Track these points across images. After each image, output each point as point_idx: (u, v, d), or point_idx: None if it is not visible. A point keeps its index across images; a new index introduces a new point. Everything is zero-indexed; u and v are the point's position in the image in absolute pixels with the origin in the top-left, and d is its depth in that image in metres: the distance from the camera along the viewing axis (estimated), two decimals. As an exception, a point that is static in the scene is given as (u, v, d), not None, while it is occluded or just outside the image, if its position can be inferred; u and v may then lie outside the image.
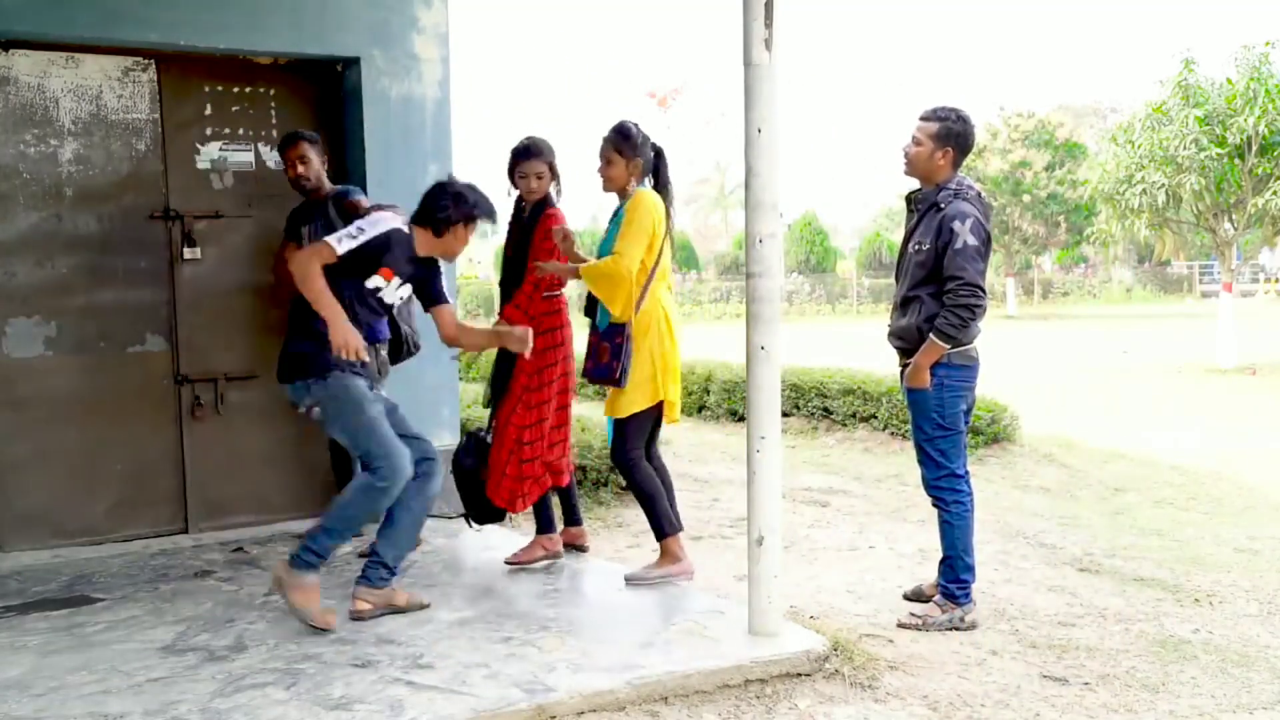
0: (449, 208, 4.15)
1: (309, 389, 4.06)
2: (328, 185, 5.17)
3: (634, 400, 4.49)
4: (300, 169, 5.09)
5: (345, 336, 3.94)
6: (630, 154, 4.56)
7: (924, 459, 4.38)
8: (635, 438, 4.56)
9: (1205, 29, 72.13)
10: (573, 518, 5.14)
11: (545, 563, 4.92)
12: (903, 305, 4.40)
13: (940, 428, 4.31)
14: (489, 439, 4.84)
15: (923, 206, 4.37)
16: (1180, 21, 76.06)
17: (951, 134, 4.31)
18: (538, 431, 4.73)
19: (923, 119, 4.37)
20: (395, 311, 5.08)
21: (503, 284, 4.95)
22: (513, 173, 4.82)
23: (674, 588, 4.55)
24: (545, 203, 4.80)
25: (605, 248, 4.58)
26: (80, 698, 3.41)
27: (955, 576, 4.30)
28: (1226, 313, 16.00)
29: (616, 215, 4.64)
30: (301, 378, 4.06)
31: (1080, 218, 31.14)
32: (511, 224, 4.93)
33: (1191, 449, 8.85)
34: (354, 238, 4.01)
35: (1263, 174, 15.96)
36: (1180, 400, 12.32)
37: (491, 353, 4.96)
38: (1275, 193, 15.66)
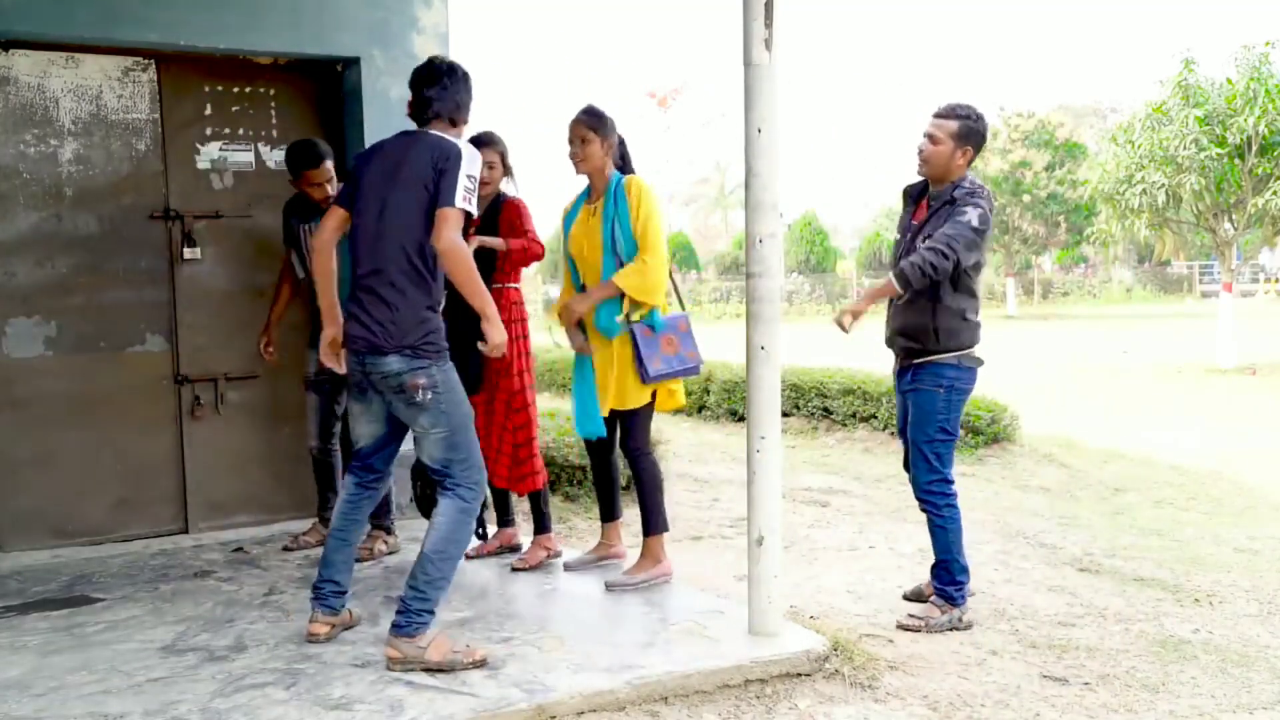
0: (462, 92, 3.78)
1: (427, 368, 3.56)
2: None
3: (644, 393, 4.47)
4: (329, 190, 4.93)
5: (503, 337, 3.67)
6: (604, 133, 4.47)
7: (920, 462, 4.33)
8: (644, 428, 4.54)
9: (1205, 29, 72.15)
10: (508, 519, 5.18)
11: (545, 562, 4.92)
12: (911, 302, 4.26)
13: (944, 431, 4.27)
14: None
15: (936, 204, 4.27)
16: (1180, 21, 76.08)
17: (972, 133, 4.23)
18: (524, 417, 4.81)
19: (940, 117, 4.26)
20: None
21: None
22: None
23: (672, 588, 4.55)
24: (501, 196, 4.83)
25: (607, 234, 4.43)
26: (80, 698, 3.41)
27: (952, 579, 4.29)
28: (1226, 313, 16.00)
29: (583, 199, 4.59)
30: (424, 352, 3.56)
31: (1080, 218, 31.16)
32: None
33: (1191, 449, 8.85)
34: (471, 189, 3.57)
35: (1263, 174, 15.96)
36: (1180, 400, 12.33)
37: None
38: (1275, 193, 15.66)
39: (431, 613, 3.58)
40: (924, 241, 4.22)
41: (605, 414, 4.53)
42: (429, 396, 3.58)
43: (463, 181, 3.54)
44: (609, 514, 4.85)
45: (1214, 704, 3.54)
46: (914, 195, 4.47)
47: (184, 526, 5.61)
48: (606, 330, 4.46)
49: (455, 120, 3.79)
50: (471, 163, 3.59)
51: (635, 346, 4.39)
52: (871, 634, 4.16)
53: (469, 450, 3.66)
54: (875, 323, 4.58)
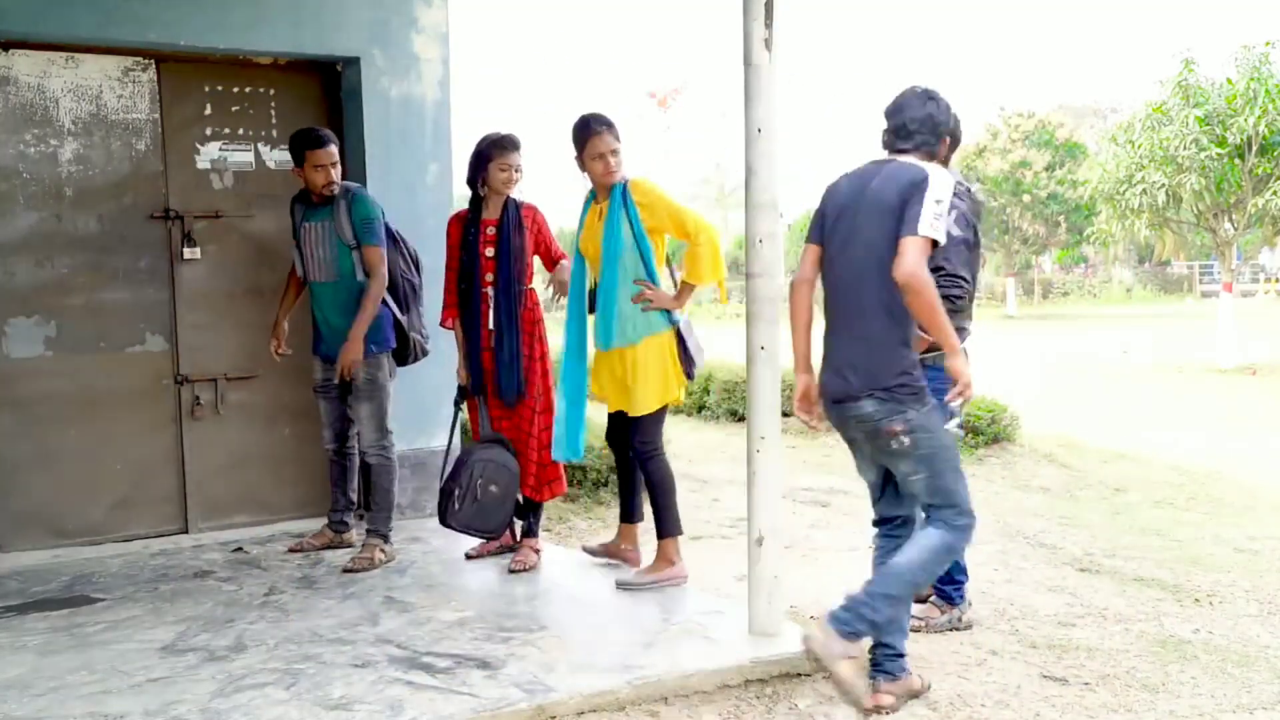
0: (941, 119, 3.51)
1: (904, 413, 3.33)
2: (338, 184, 5.01)
3: (650, 399, 4.48)
4: (333, 174, 4.90)
5: (969, 377, 3.33)
6: (619, 139, 4.57)
7: None
8: (654, 430, 4.55)
9: (1205, 29, 72.13)
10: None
11: (544, 562, 4.92)
12: None
13: None
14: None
15: None
16: (1180, 21, 76.08)
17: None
18: (547, 420, 4.81)
19: None
20: (407, 321, 5.08)
21: (460, 283, 4.88)
22: (488, 166, 4.77)
23: (674, 588, 4.55)
24: (515, 201, 4.84)
25: (613, 244, 4.42)
26: (80, 698, 3.41)
27: (950, 579, 4.30)
28: (1226, 313, 16.00)
29: (591, 198, 4.60)
30: (899, 395, 3.35)
31: (1080, 218, 31.15)
32: (466, 222, 4.87)
33: (1191, 449, 8.84)
34: (940, 214, 3.25)
35: (1263, 174, 15.97)
36: (1180, 400, 12.32)
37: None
38: (1275, 193, 15.67)
39: (879, 627, 3.35)
40: None
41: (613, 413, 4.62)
42: (906, 443, 3.34)
43: (930, 207, 3.25)
44: (626, 515, 4.85)
45: (1214, 704, 3.54)
46: None
47: (184, 526, 5.60)
48: (627, 338, 4.44)
49: (933, 152, 3.52)
50: (940, 187, 3.30)
51: (682, 344, 4.47)
52: (871, 634, 4.16)
53: (957, 496, 3.38)
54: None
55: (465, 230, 4.85)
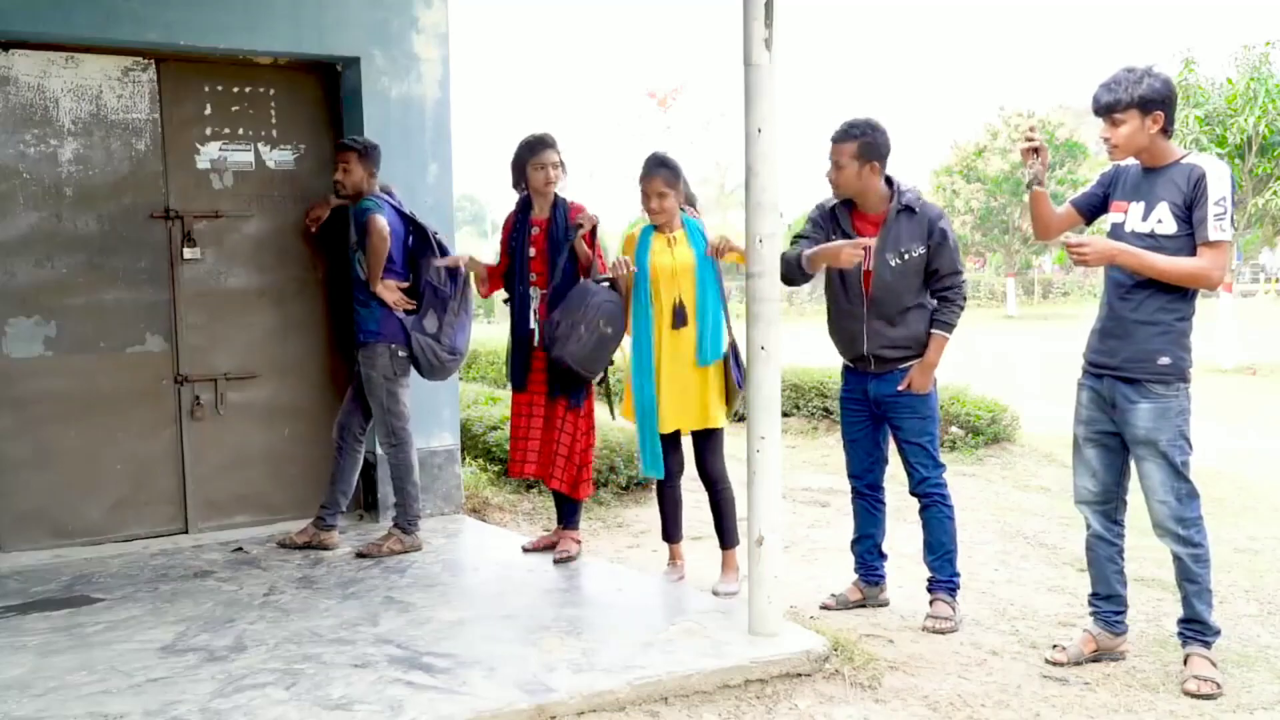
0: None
1: (1179, 392, 3.85)
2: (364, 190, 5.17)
3: (724, 410, 4.75)
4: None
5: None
6: (677, 183, 4.60)
7: (927, 460, 4.37)
8: (722, 452, 4.78)
9: (1205, 29, 72.17)
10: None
11: (545, 562, 4.92)
12: (899, 316, 4.32)
13: (935, 424, 4.41)
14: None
15: (889, 215, 4.32)
16: (1180, 21, 76.10)
17: (871, 147, 4.27)
18: (590, 422, 4.91)
19: (836, 140, 4.31)
20: (413, 322, 5.09)
21: (512, 284, 4.96)
22: (525, 169, 4.87)
23: (674, 587, 4.55)
24: (561, 197, 4.90)
25: (706, 268, 4.62)
26: (80, 698, 3.41)
27: (954, 570, 4.37)
28: (1226, 313, 16.00)
29: (651, 229, 4.71)
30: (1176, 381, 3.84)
31: (1080, 218, 31.06)
32: (515, 224, 4.98)
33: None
34: (1223, 214, 3.56)
35: (1263, 174, 15.97)
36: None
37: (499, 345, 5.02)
38: (1275, 193, 15.67)
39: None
40: (902, 256, 4.29)
41: (684, 432, 4.77)
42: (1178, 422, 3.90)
43: (1213, 206, 3.55)
44: (679, 536, 4.95)
45: (1214, 704, 3.54)
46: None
47: (184, 526, 5.60)
48: (718, 353, 4.64)
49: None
50: (1220, 179, 3.56)
51: (735, 358, 4.64)
52: (871, 634, 4.16)
53: None
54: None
55: (514, 232, 4.96)
